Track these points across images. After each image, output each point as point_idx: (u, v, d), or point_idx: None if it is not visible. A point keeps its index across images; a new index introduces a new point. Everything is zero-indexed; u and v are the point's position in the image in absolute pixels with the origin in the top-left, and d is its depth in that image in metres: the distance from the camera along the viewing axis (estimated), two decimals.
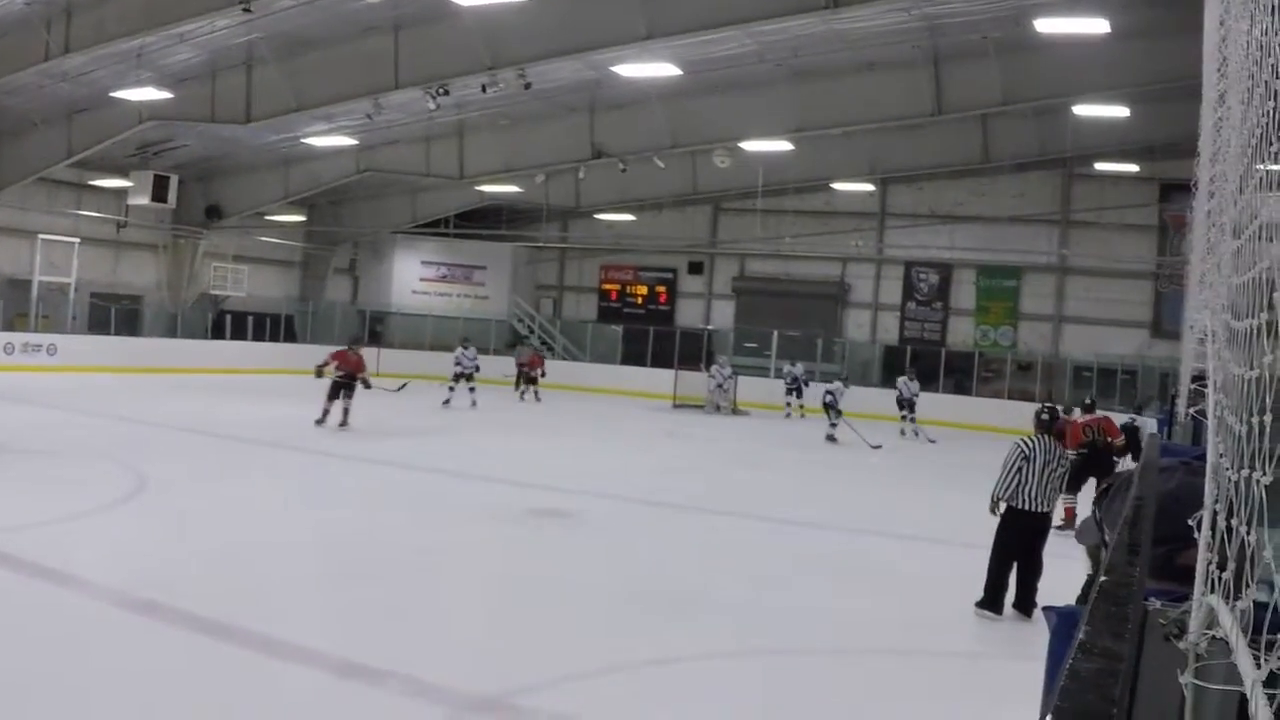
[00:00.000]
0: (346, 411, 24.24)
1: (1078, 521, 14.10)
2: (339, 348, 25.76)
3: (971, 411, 36.84)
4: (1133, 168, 36.35)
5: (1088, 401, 19.50)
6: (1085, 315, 40.06)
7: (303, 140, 35.96)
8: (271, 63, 28.50)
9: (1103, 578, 1.87)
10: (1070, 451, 14.91)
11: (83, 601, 9.72)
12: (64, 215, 38.52)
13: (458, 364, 33.38)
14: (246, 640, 8.92)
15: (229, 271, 43.63)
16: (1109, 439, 17.16)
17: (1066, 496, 15.20)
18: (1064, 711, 1.28)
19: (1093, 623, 1.59)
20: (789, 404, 36.60)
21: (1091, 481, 14.42)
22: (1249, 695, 1.28)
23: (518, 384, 37.42)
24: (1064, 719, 1.25)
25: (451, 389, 32.79)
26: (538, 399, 36.42)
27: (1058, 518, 12.77)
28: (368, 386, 24.88)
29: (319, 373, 24.58)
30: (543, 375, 37.42)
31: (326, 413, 24.26)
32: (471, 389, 32.72)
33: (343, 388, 24.29)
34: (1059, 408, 15.48)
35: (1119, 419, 19.11)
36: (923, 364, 39.21)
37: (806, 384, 36.53)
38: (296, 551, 12.47)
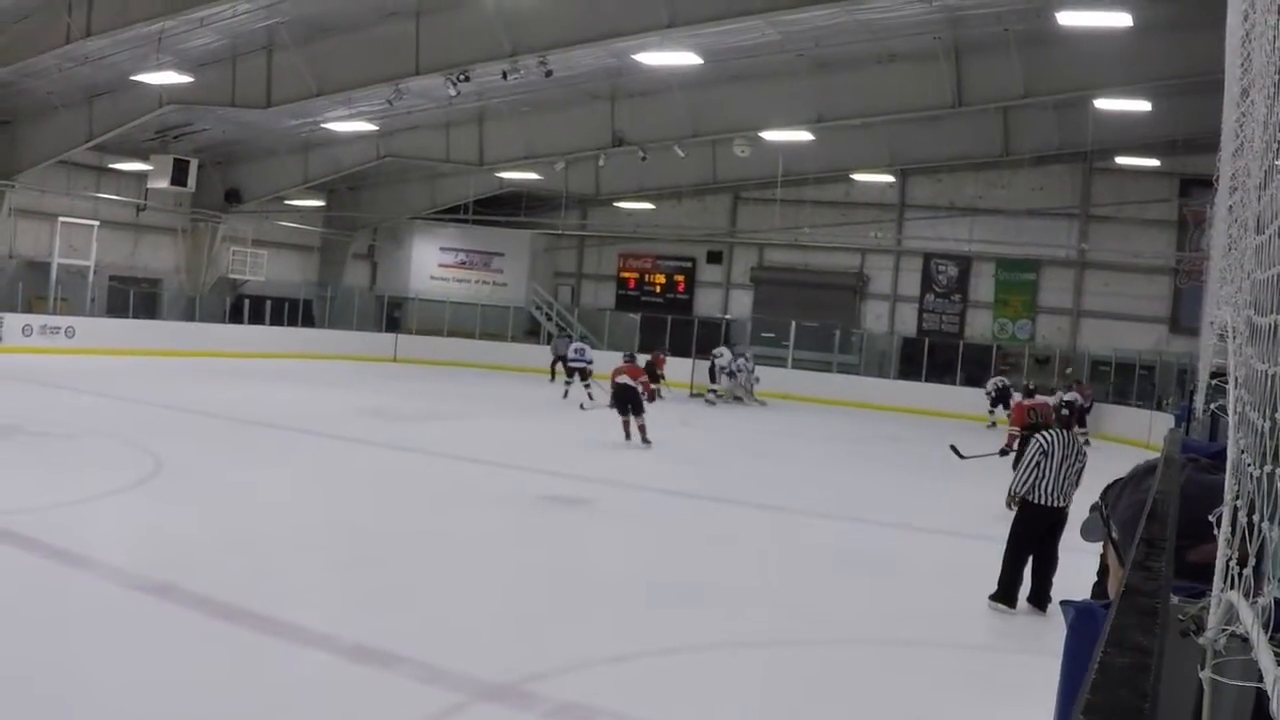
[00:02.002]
0: (642, 428, 23.00)
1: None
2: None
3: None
4: (1153, 162, 36.24)
5: (1030, 388, 22.55)
6: (1104, 310, 39.95)
7: (323, 125, 35.95)
8: (292, 47, 28.50)
9: (1129, 573, 1.86)
10: (1015, 429, 19.42)
11: (98, 583, 9.77)
12: (83, 198, 38.59)
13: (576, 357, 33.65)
14: (260, 624, 8.95)
15: (248, 256, 43.72)
16: (1046, 422, 18.33)
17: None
18: (1095, 705, 1.27)
19: (1122, 617, 1.58)
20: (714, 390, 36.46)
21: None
22: (1270, 692, 1.28)
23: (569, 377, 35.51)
24: (1095, 713, 1.24)
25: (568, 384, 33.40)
26: (661, 396, 33.00)
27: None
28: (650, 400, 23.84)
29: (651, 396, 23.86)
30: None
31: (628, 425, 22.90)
32: (586, 385, 32.09)
33: (628, 401, 22.88)
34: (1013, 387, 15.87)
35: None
36: (940, 356, 39.23)
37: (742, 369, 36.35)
38: (310, 535, 12.51)
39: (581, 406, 27.54)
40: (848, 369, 41.59)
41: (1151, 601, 1.65)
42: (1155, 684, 1.30)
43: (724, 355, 36.78)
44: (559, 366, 38.21)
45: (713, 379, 36.44)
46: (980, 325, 42.34)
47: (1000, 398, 32.81)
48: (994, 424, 33.16)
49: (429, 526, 13.46)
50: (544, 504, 15.64)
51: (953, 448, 20.04)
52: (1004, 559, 11.16)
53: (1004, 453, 19.65)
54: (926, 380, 38.78)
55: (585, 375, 32.96)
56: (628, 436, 22.53)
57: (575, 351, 34.55)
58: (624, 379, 22.53)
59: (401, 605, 9.88)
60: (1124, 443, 26.18)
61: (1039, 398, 21.24)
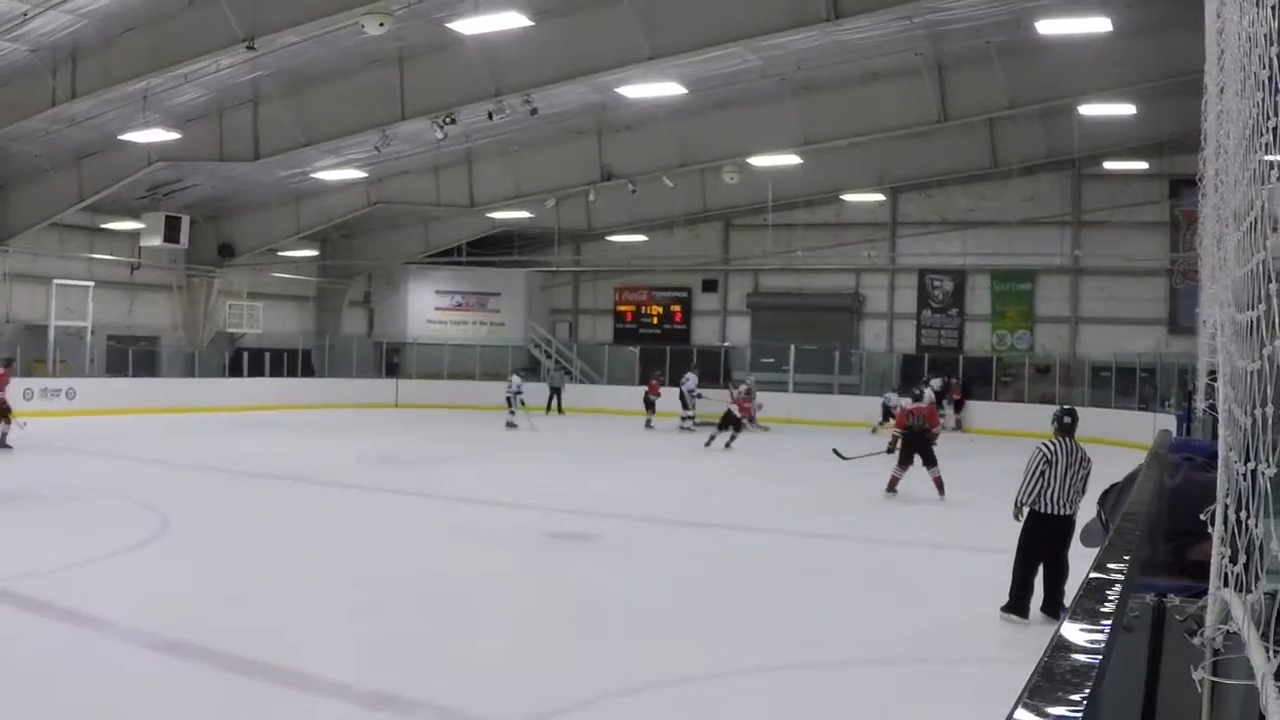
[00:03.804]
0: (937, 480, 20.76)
1: (897, 488, 20.17)
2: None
3: (992, 417, 36.92)
4: (1142, 165, 36.30)
5: (916, 393, 23.89)
6: (1101, 315, 39.98)
7: (312, 175, 36.08)
8: (277, 99, 28.64)
9: (1090, 571, 1.86)
10: (896, 431, 21.94)
11: (111, 644, 9.75)
12: (77, 259, 38.70)
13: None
14: (276, 675, 8.94)
15: (244, 309, 43.80)
16: (927, 425, 20.83)
17: (896, 470, 20.63)
18: (1034, 709, 1.27)
19: (1075, 618, 1.58)
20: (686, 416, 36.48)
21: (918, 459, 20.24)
22: (1260, 688, 1.27)
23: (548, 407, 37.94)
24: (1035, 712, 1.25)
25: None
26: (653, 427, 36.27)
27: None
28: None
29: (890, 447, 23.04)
30: (658, 397, 37.49)
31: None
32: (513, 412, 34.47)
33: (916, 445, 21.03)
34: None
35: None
36: (941, 372, 39.17)
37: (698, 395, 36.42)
38: (321, 585, 12.49)
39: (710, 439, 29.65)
40: (849, 389, 41.56)
41: (1104, 601, 1.65)
42: (1098, 685, 1.30)
43: (690, 380, 36.80)
44: (555, 399, 40.32)
45: (684, 405, 36.41)
46: (979, 338, 42.38)
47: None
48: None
49: (438, 569, 13.43)
50: (551, 541, 15.62)
51: (835, 450, 21.10)
52: (1014, 570, 11.15)
53: (890, 450, 22.33)
54: None
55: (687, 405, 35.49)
56: (892, 489, 20.72)
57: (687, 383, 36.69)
58: (917, 421, 20.87)
59: (415, 650, 9.85)
60: (1126, 446, 26.11)
61: (923, 404, 22.39)
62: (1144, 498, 2.29)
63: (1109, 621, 1.54)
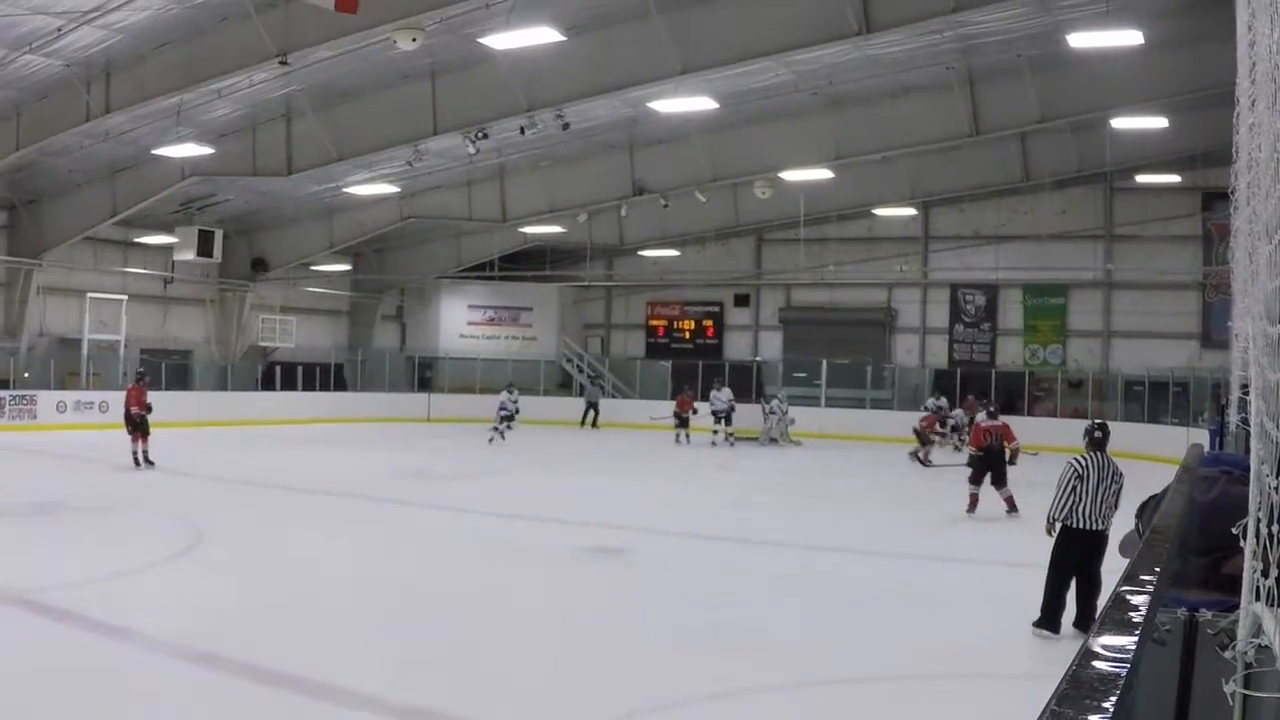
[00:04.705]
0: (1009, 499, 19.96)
1: (976, 508, 19.46)
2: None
3: (1023, 432, 36.77)
4: (1174, 178, 36.14)
5: (992, 409, 22.09)
6: (1134, 329, 39.79)
7: (345, 190, 36.21)
8: (310, 114, 28.75)
9: (1120, 584, 1.86)
10: (972, 450, 20.77)
11: (144, 655, 9.78)
12: (111, 273, 38.95)
13: (502, 408, 34.72)
14: (308, 688, 8.96)
15: (277, 323, 43.97)
16: (1005, 443, 20.20)
17: (971, 488, 19.89)
18: (1062, 717, 1.27)
19: (1102, 628, 1.58)
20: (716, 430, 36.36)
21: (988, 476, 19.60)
22: None
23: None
24: None
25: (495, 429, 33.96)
26: (689, 440, 36.31)
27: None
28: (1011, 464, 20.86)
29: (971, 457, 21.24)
30: (694, 413, 36.90)
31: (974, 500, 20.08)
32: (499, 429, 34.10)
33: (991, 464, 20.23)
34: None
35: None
36: (973, 387, 39.03)
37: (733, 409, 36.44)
38: (354, 597, 12.51)
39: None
40: (881, 404, 41.44)
41: (1133, 613, 1.64)
42: (1125, 695, 1.30)
43: (720, 398, 36.72)
44: (591, 415, 40.83)
45: (716, 420, 36.39)
46: (1011, 353, 42.23)
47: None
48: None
49: (471, 584, 13.44)
50: (584, 555, 15.60)
51: (913, 455, 20.75)
52: (1046, 584, 11.09)
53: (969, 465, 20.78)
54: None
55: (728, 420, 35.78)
56: (972, 508, 19.94)
57: (718, 401, 36.35)
58: (995, 440, 20.21)
59: (447, 663, 9.86)
60: (1160, 461, 25.96)
61: (1000, 420, 20.97)
62: (1173, 511, 2.28)
63: (1138, 633, 1.54)
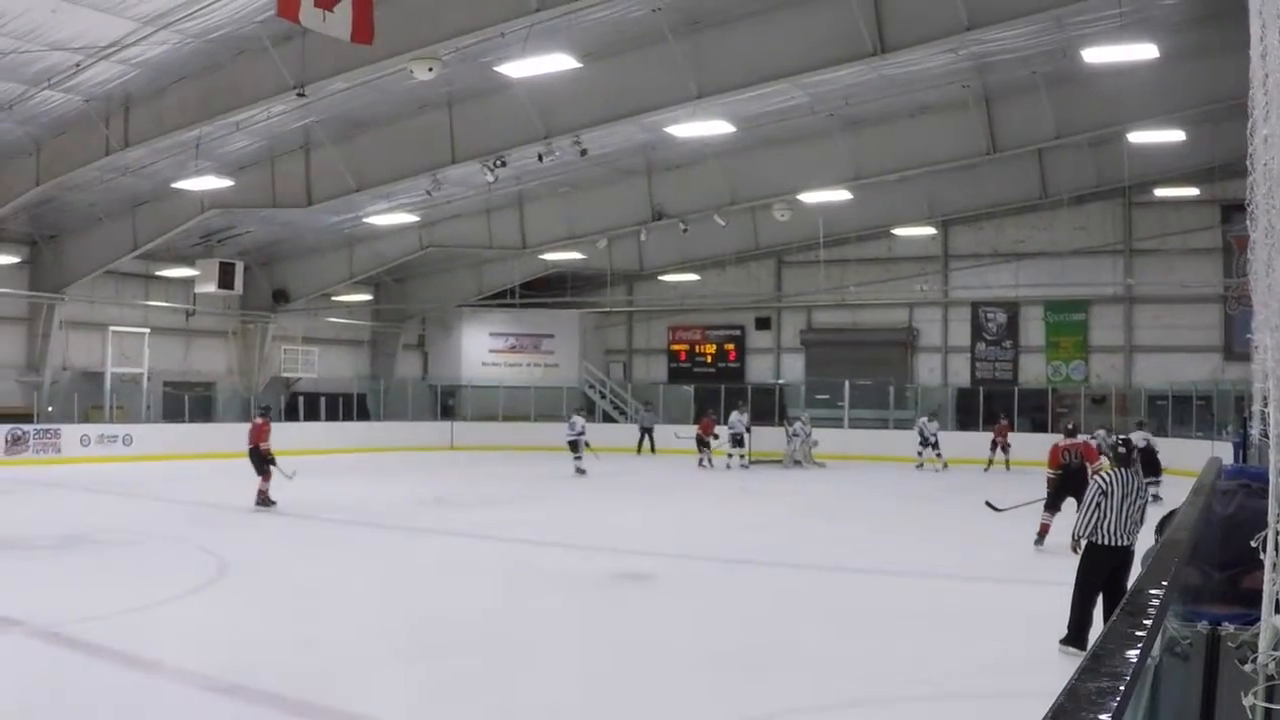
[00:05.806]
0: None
1: (1045, 538, 17.87)
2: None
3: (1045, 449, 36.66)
4: (1193, 191, 36.10)
5: (1070, 427, 21.52)
6: (1156, 343, 39.75)
7: (364, 220, 36.38)
8: (329, 145, 28.87)
9: (1128, 598, 1.86)
10: (1050, 471, 19.63)
11: (174, 687, 9.79)
12: (133, 306, 39.13)
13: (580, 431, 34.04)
14: (333, 718, 8.95)
15: (299, 354, 44.10)
16: (1085, 461, 19.05)
17: (1044, 514, 18.29)
18: None
19: (1106, 642, 1.58)
20: (921, 453, 36.34)
21: (1071, 502, 16.83)
22: None
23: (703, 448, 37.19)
24: None
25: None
26: (711, 465, 36.30)
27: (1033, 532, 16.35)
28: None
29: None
30: (715, 438, 36.90)
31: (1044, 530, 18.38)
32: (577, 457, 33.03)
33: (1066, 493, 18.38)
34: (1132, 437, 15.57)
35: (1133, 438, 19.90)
36: (996, 404, 39.00)
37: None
38: (380, 628, 12.50)
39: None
40: (904, 424, 41.37)
41: (1138, 626, 1.64)
42: (1125, 703, 1.30)
43: (742, 419, 37.02)
44: (645, 439, 41.53)
45: (733, 443, 36.43)
46: (1034, 370, 42.19)
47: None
48: (921, 465, 35.65)
49: (498, 612, 13.41)
50: (612, 581, 15.56)
51: (988, 504, 20.00)
52: (1072, 602, 11.04)
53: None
54: (984, 429, 38.29)
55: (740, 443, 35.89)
56: (1041, 538, 18.34)
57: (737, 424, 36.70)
58: (1074, 459, 19.16)
59: (476, 692, 9.84)
60: (1185, 474, 25.86)
61: (1080, 438, 20.49)
62: (1184, 525, 2.28)
63: (1140, 644, 1.54)
